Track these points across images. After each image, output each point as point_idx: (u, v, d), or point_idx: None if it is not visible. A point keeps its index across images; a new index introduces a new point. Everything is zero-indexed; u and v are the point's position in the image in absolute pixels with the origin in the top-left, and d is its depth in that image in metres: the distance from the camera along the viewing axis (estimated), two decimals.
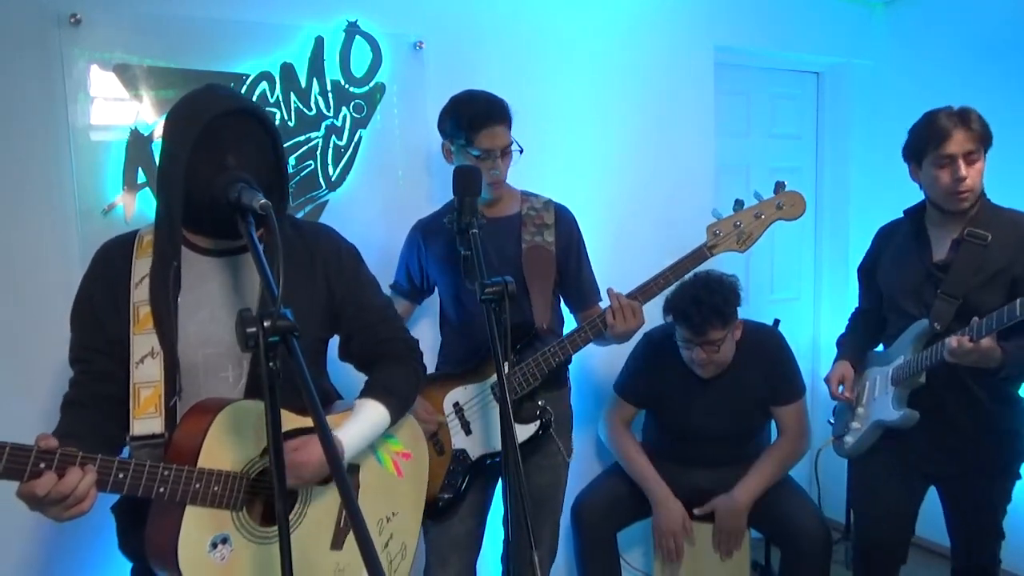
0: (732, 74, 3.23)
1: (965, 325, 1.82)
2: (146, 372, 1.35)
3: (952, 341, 1.81)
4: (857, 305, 2.38)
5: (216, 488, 1.30)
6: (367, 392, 1.55)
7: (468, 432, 2.05)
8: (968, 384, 1.96)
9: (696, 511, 2.39)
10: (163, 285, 1.35)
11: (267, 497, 1.41)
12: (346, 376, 1.74)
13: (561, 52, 2.66)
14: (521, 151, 2.04)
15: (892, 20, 3.35)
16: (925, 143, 1.95)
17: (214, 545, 1.30)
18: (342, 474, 1.06)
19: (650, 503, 2.40)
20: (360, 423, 1.48)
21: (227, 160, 1.29)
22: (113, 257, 1.42)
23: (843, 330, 2.38)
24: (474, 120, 1.95)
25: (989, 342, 1.78)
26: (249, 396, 1.41)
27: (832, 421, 2.36)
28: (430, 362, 2.24)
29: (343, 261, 1.56)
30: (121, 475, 1.22)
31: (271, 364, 1.05)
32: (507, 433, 1.43)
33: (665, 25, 2.87)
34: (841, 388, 2.19)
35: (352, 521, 1.01)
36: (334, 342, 1.65)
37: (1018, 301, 1.72)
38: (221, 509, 1.32)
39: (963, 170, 1.90)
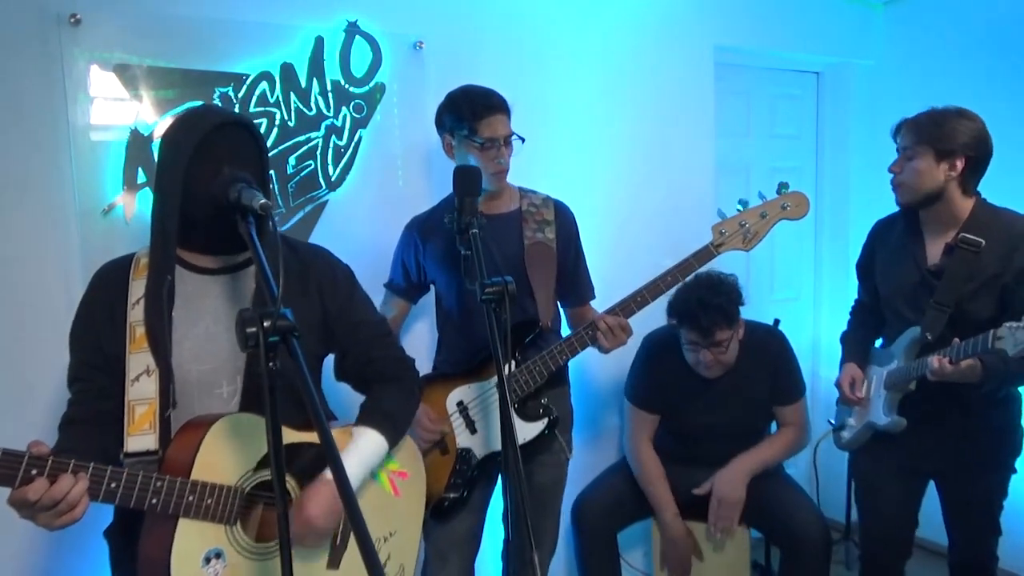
0: (732, 74, 3.23)
1: (957, 333, 1.85)
2: (141, 390, 1.34)
3: (934, 362, 1.85)
4: (856, 298, 2.37)
5: (209, 501, 1.28)
6: (363, 419, 1.53)
7: (473, 431, 2.04)
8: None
9: (695, 491, 2.38)
10: (157, 302, 1.35)
11: (261, 512, 1.40)
12: (344, 396, 1.74)
13: (561, 52, 2.66)
14: (523, 141, 2.05)
15: (892, 20, 3.36)
16: None
17: (207, 560, 1.28)
18: (347, 487, 1.03)
19: (660, 530, 2.41)
20: (358, 458, 1.46)
21: (223, 170, 1.30)
22: (110, 279, 1.42)
23: (845, 327, 2.37)
24: (476, 109, 1.96)
25: (969, 360, 1.80)
26: (244, 412, 1.40)
27: (832, 421, 2.36)
28: (427, 362, 2.24)
29: (337, 279, 1.56)
30: (113, 485, 1.21)
31: (271, 364, 1.04)
32: (507, 432, 1.43)
33: (665, 25, 2.86)
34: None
35: (362, 548, 0.99)
36: (329, 365, 1.65)
37: (991, 332, 1.74)
38: (215, 523, 1.30)
39: (896, 164, 1.99)
